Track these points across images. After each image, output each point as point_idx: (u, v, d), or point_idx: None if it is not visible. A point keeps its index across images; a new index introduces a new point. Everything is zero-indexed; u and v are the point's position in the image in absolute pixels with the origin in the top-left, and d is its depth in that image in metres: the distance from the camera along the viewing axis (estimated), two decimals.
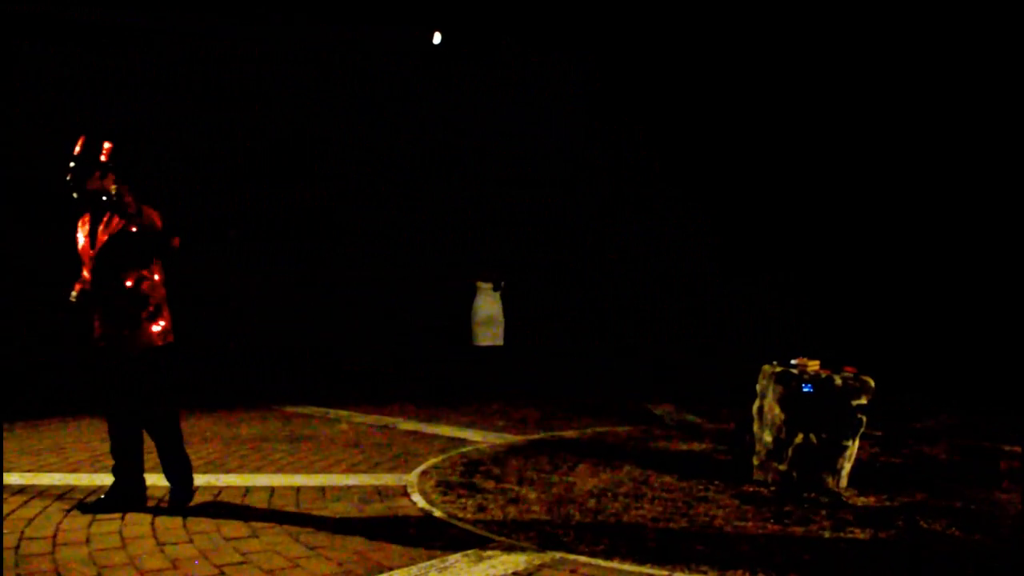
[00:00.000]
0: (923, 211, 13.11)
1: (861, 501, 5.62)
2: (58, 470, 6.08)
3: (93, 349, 5.04)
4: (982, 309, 12.52)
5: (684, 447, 7.44)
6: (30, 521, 4.74)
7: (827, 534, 4.88)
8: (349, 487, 5.76)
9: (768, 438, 6.04)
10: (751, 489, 5.90)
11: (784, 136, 13.69)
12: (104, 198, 4.97)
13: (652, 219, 14.29)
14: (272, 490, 5.65)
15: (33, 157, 11.01)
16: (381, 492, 5.64)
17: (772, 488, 5.91)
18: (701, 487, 5.92)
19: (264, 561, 4.21)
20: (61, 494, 5.33)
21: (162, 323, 5.08)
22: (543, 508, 5.32)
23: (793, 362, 6.10)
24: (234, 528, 4.72)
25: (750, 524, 5.06)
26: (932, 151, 13.05)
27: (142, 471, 5.13)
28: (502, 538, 4.62)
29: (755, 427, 6.21)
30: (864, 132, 13.38)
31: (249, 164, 12.39)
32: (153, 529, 4.66)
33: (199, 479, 5.52)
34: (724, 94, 13.69)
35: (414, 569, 4.11)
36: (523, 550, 4.43)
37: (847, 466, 5.96)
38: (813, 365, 6.06)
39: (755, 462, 6.17)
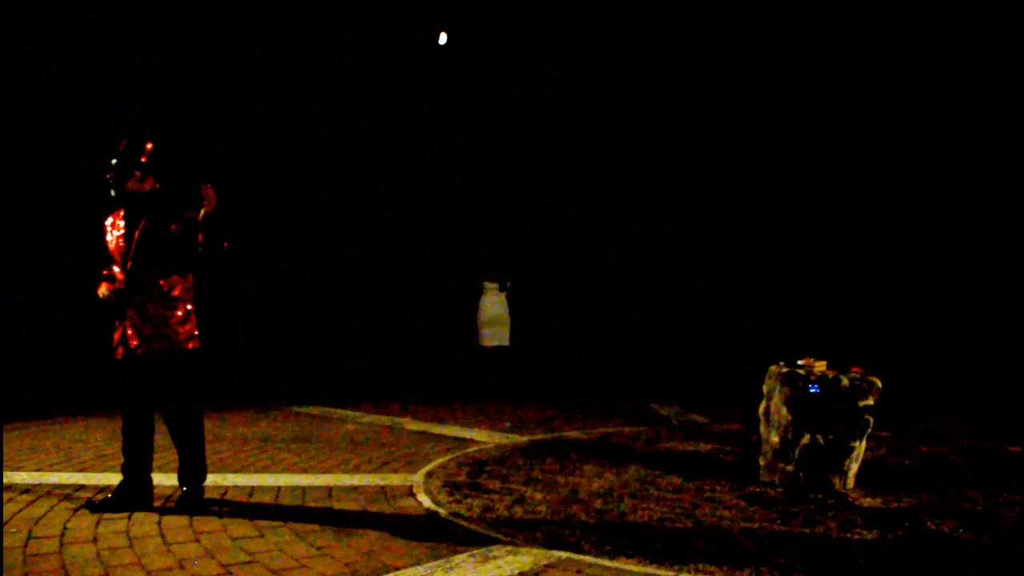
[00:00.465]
0: (930, 212, 13.08)
1: (868, 502, 5.61)
2: (65, 469, 6.09)
3: (126, 350, 5.00)
4: (990, 310, 12.49)
5: (690, 447, 7.43)
6: (37, 520, 4.75)
7: (834, 535, 4.87)
8: (355, 487, 5.77)
9: (775, 439, 6.03)
10: (757, 490, 5.89)
11: (787, 136, 13.67)
12: (144, 199, 5.00)
13: (653, 219, 14.29)
14: (278, 490, 5.66)
15: (33, 157, 11.05)
16: (387, 492, 5.65)
17: (779, 489, 5.90)
18: (707, 487, 5.91)
19: (270, 560, 4.22)
20: (68, 493, 5.35)
21: (193, 326, 5.12)
22: (549, 508, 5.31)
23: (800, 363, 6.08)
24: (241, 528, 4.72)
25: (756, 525, 5.05)
26: (937, 152, 13.01)
27: (151, 470, 5.15)
28: (508, 538, 4.62)
29: (762, 428, 6.20)
30: (870, 132, 13.35)
31: (250, 164, 12.41)
32: (160, 528, 4.67)
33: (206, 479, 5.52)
34: (723, 95, 13.67)
35: (420, 569, 4.11)
36: (529, 550, 4.43)
37: (854, 467, 5.94)
38: (820, 366, 6.04)
39: (761, 463, 6.16)
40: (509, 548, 4.46)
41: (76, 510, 4.96)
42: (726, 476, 6.24)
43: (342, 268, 12.76)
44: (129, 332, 4.99)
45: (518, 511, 5.23)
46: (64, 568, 4.04)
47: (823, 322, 12.39)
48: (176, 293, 5.07)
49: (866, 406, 5.86)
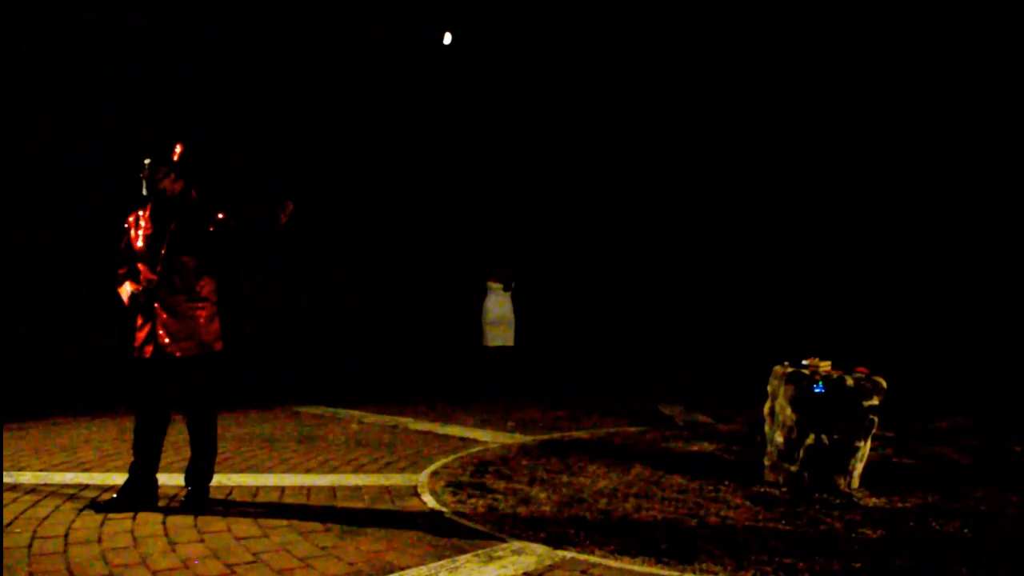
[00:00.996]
0: (933, 213, 13.07)
1: (873, 502, 5.60)
2: (69, 469, 6.10)
3: (156, 349, 5.00)
4: (997, 311, 12.48)
5: (694, 447, 7.42)
6: (42, 520, 4.75)
7: (838, 535, 4.86)
8: (359, 487, 5.77)
9: (779, 439, 6.02)
10: (762, 490, 5.88)
11: (789, 136, 13.66)
12: (175, 199, 5.03)
13: (653, 219, 14.29)
14: (283, 490, 5.66)
15: (33, 157, 11.05)
16: (391, 492, 5.64)
17: (783, 489, 5.89)
18: (712, 487, 5.91)
19: (275, 560, 4.21)
20: (73, 493, 5.34)
21: (219, 327, 5.16)
22: (553, 508, 5.31)
23: (805, 363, 6.08)
24: (245, 527, 4.72)
25: (761, 524, 5.04)
26: (943, 154, 13.00)
27: (156, 470, 5.15)
28: (512, 538, 4.61)
29: (766, 428, 6.19)
30: (876, 132, 13.35)
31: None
32: (165, 528, 4.66)
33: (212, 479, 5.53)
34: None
35: (424, 569, 4.10)
36: (534, 550, 4.42)
37: (859, 467, 5.93)
38: (825, 366, 6.04)
39: (766, 463, 6.15)
40: (513, 548, 4.45)
41: (80, 510, 4.95)
42: (730, 476, 6.23)
43: (350, 267, 12.76)
44: (160, 332, 5.00)
45: (522, 511, 5.22)
46: (68, 568, 4.03)
47: (828, 322, 12.37)
48: (205, 293, 5.12)
49: (871, 406, 5.85)
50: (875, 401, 5.86)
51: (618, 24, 13.75)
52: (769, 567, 4.24)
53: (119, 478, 5.29)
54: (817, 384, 5.85)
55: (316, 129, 13.04)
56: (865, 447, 5.95)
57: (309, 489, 5.69)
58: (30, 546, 4.32)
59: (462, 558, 4.28)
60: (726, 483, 6.03)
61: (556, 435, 7.91)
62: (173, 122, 10.73)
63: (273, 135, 12.59)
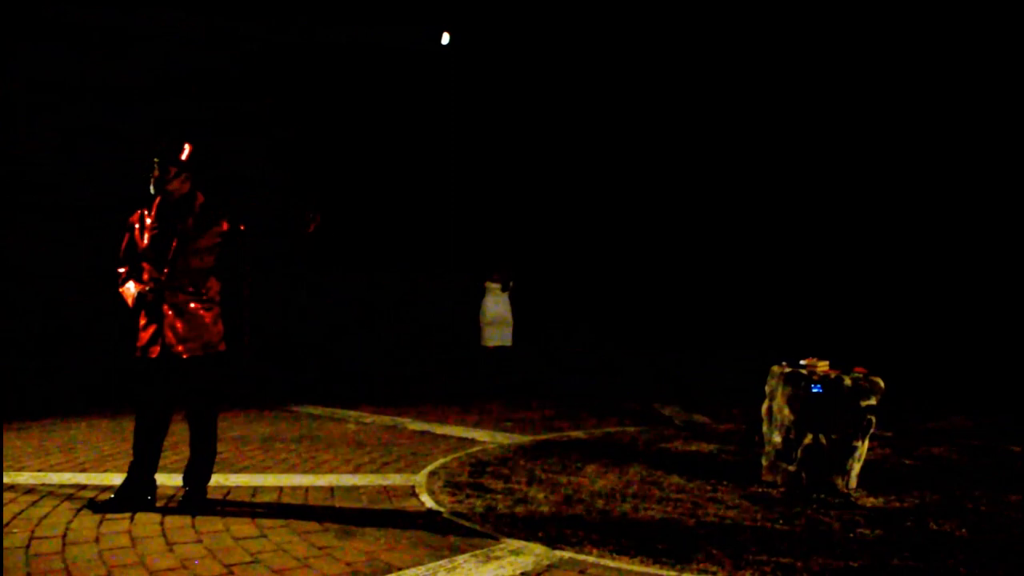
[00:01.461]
0: (932, 213, 13.08)
1: (871, 502, 5.61)
2: (67, 469, 6.09)
3: (163, 350, 5.00)
4: (995, 310, 12.49)
5: (692, 447, 7.42)
6: (40, 520, 4.75)
7: (836, 535, 4.86)
8: (357, 487, 5.77)
9: (777, 439, 6.03)
10: (760, 490, 5.89)
11: (788, 136, 13.67)
12: (183, 200, 5.04)
13: (652, 219, 14.29)
14: (281, 490, 5.66)
15: (33, 157, 11.04)
16: (389, 492, 5.64)
17: (781, 489, 5.90)
18: (710, 487, 5.91)
19: (273, 561, 4.21)
20: (71, 494, 5.34)
21: (222, 327, 5.17)
22: (551, 508, 5.31)
23: (802, 363, 6.08)
24: (243, 528, 4.72)
25: (759, 524, 5.04)
26: (940, 154, 13.01)
27: (156, 470, 5.14)
28: (510, 538, 4.61)
29: (764, 428, 6.20)
30: (872, 132, 13.35)
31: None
32: (163, 529, 4.66)
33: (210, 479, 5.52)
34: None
35: (422, 569, 4.11)
36: (532, 550, 4.43)
37: (856, 467, 5.94)
38: (822, 366, 6.04)
39: (764, 463, 6.15)
40: (511, 548, 4.46)
41: (79, 510, 4.95)
42: (728, 476, 6.24)
43: (346, 266, 12.75)
44: (167, 332, 5.00)
45: (520, 511, 5.22)
46: (66, 568, 4.03)
47: (827, 322, 12.38)
48: (211, 295, 5.13)
49: (868, 406, 5.85)
50: (873, 401, 5.86)
51: (617, 24, 13.75)
52: (767, 567, 4.24)
53: (117, 478, 5.28)
54: (815, 384, 5.85)
55: (316, 129, 13.04)
56: (863, 447, 5.95)
57: (307, 489, 5.69)
58: (27, 546, 4.31)
59: (460, 558, 4.28)
60: (724, 483, 6.03)
61: (554, 435, 7.92)
62: (173, 122, 10.74)
63: (273, 135, 12.58)
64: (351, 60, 13.10)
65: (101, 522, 4.74)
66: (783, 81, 13.60)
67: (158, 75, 11.89)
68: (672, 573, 4.16)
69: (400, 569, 4.12)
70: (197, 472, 5.14)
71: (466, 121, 13.83)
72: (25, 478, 5.73)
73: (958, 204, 12.99)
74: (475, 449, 7.12)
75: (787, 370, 6.05)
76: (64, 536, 4.49)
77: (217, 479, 5.59)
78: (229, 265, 5.20)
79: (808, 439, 5.87)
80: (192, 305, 5.04)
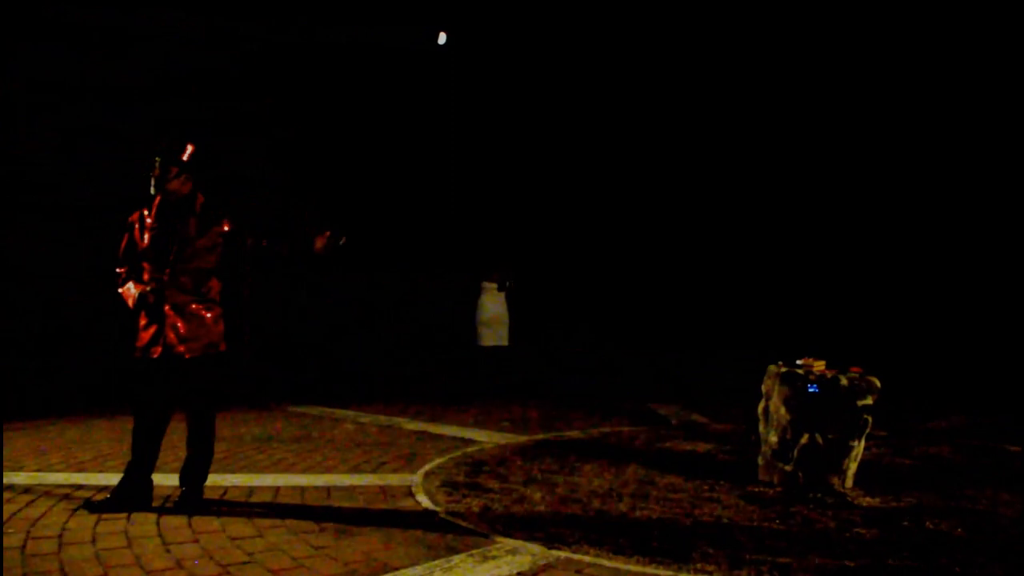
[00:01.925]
0: (933, 213, 13.08)
1: (867, 501, 5.61)
2: (64, 469, 6.10)
3: (165, 350, 5.01)
4: (993, 310, 12.49)
5: (689, 447, 7.43)
6: (36, 521, 4.75)
7: (832, 534, 4.87)
8: (354, 487, 5.77)
9: (773, 438, 6.03)
10: (756, 489, 5.89)
11: (786, 137, 13.67)
12: (184, 200, 5.04)
13: (650, 219, 14.29)
14: (277, 490, 5.66)
15: (33, 157, 11.04)
16: (386, 492, 5.65)
17: (777, 488, 5.90)
18: (706, 487, 5.91)
19: (269, 561, 4.21)
20: (67, 493, 5.35)
21: (223, 328, 5.17)
22: (548, 508, 5.32)
23: (799, 362, 6.08)
24: (239, 528, 4.72)
25: (755, 524, 5.05)
26: (937, 153, 13.02)
27: (153, 470, 5.14)
28: (507, 538, 4.61)
29: (760, 427, 6.20)
30: (869, 132, 13.35)
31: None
32: (159, 529, 4.67)
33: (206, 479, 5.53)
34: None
35: (419, 569, 4.11)
36: (528, 550, 4.43)
37: (853, 466, 5.94)
38: (819, 365, 6.04)
39: (760, 462, 6.16)
40: (508, 548, 4.46)
41: (75, 510, 4.95)
42: (725, 476, 6.24)
43: (343, 266, 12.75)
44: (168, 332, 5.00)
45: (517, 511, 5.23)
46: (63, 568, 4.03)
47: (826, 322, 12.39)
48: (212, 295, 5.13)
49: (865, 406, 5.86)
50: (869, 401, 5.86)
51: (616, 23, 13.75)
52: (764, 567, 4.24)
53: (114, 478, 5.28)
54: (811, 384, 5.85)
55: (316, 129, 13.04)
56: (859, 447, 5.96)
57: (304, 489, 5.70)
58: (24, 547, 4.32)
59: (457, 558, 4.28)
60: (721, 483, 6.04)
61: (551, 435, 7.92)
62: (173, 122, 10.75)
63: (273, 135, 12.59)
64: (351, 60, 13.10)
65: (98, 522, 4.74)
66: (782, 82, 13.60)
67: (158, 75, 11.89)
68: (669, 573, 4.16)
69: (397, 569, 4.12)
70: (194, 472, 5.15)
71: (466, 121, 13.83)
72: (22, 478, 5.73)
73: (957, 204, 12.99)
74: (472, 449, 7.13)
75: (783, 370, 6.05)
76: (60, 536, 4.50)
77: (214, 479, 5.59)
78: (230, 265, 5.21)
79: (805, 439, 5.87)
80: (193, 305, 5.05)
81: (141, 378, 5.07)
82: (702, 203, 14.20)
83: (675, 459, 6.88)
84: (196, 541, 4.49)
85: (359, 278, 12.84)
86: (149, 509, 4.98)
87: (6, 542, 4.36)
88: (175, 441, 6.44)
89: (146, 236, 5.05)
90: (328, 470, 6.32)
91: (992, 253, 12.79)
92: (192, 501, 5.07)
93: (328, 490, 5.69)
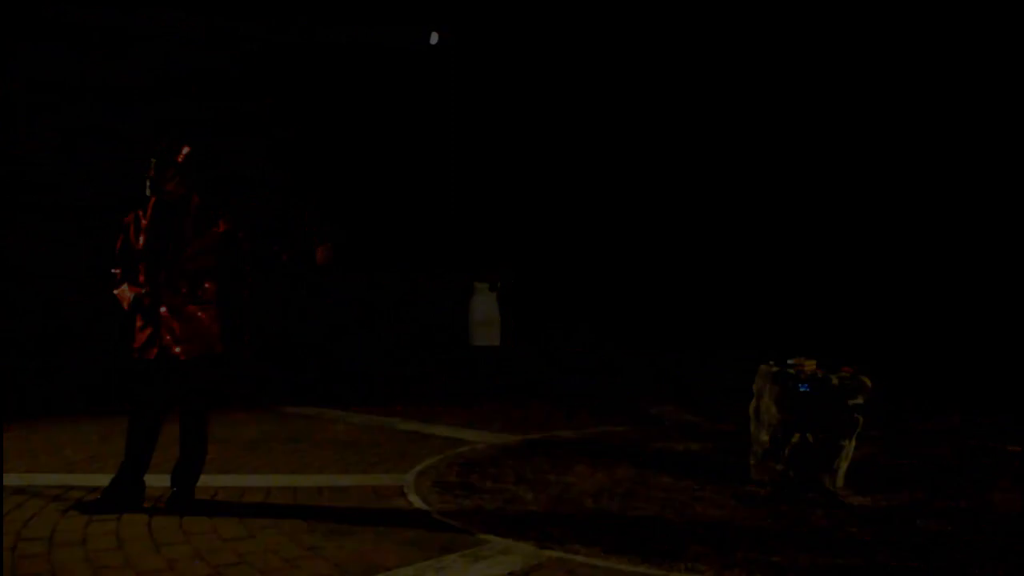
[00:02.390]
0: (930, 212, 13.07)
1: (858, 501, 5.61)
2: (55, 470, 6.10)
3: (161, 351, 5.02)
4: (987, 309, 12.48)
5: (682, 447, 7.43)
6: (27, 522, 4.75)
7: (823, 533, 4.87)
8: (346, 487, 5.78)
9: (765, 438, 6.03)
10: (748, 489, 5.89)
11: (784, 137, 13.67)
12: (180, 201, 5.05)
13: (647, 219, 14.30)
14: (269, 490, 5.67)
15: (33, 157, 11.07)
16: (378, 492, 5.65)
17: (769, 488, 5.90)
18: (699, 487, 5.91)
19: (261, 561, 4.22)
20: (58, 494, 5.34)
21: (219, 329, 5.18)
22: (540, 508, 5.32)
23: (790, 362, 6.08)
24: (231, 528, 4.73)
25: (747, 523, 5.05)
26: (934, 152, 13.01)
27: (146, 471, 5.15)
28: (499, 538, 4.62)
29: (752, 427, 6.20)
30: (866, 132, 13.35)
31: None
32: (150, 529, 4.67)
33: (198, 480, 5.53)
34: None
35: (411, 569, 4.11)
36: (520, 549, 4.43)
37: (844, 466, 5.94)
38: (810, 365, 6.04)
39: (752, 462, 6.16)
40: (500, 547, 4.46)
41: (66, 511, 4.95)
42: (718, 475, 6.24)
43: (343, 265, 12.74)
44: (164, 333, 5.01)
45: (509, 510, 5.23)
46: (52, 570, 4.03)
47: (821, 321, 12.38)
48: (208, 296, 5.14)
49: (856, 405, 5.85)
50: (860, 400, 5.86)
51: (613, 21, 13.75)
52: (755, 565, 4.25)
53: (105, 479, 5.28)
54: (802, 383, 5.86)
55: (316, 129, 13.04)
56: (850, 446, 5.95)
57: (295, 489, 5.70)
58: (14, 548, 4.32)
59: (448, 558, 4.28)
60: (713, 482, 6.04)
61: (543, 435, 7.91)
62: (173, 122, 10.76)
63: (273, 135, 12.59)
64: (351, 60, 13.10)
65: (88, 523, 4.74)
66: (781, 82, 13.59)
67: (158, 75, 11.90)
68: (660, 572, 4.16)
69: (389, 569, 4.12)
70: (186, 472, 5.15)
71: (466, 121, 13.84)
72: (12, 478, 5.70)
73: (957, 204, 12.98)
74: (464, 449, 7.12)
75: (775, 369, 6.05)
76: (51, 537, 4.50)
77: (205, 479, 5.59)
78: (227, 266, 5.21)
79: (796, 438, 5.88)
80: (189, 307, 5.06)
81: (138, 378, 5.08)
82: (701, 203, 14.19)
83: (668, 459, 6.88)
84: (187, 542, 4.50)
85: (359, 278, 12.83)
86: (140, 510, 4.98)
87: None
88: (165, 442, 6.44)
89: (142, 237, 5.06)
90: (320, 470, 6.33)
91: (991, 252, 12.78)
92: (183, 502, 5.08)
93: (320, 490, 5.69)
